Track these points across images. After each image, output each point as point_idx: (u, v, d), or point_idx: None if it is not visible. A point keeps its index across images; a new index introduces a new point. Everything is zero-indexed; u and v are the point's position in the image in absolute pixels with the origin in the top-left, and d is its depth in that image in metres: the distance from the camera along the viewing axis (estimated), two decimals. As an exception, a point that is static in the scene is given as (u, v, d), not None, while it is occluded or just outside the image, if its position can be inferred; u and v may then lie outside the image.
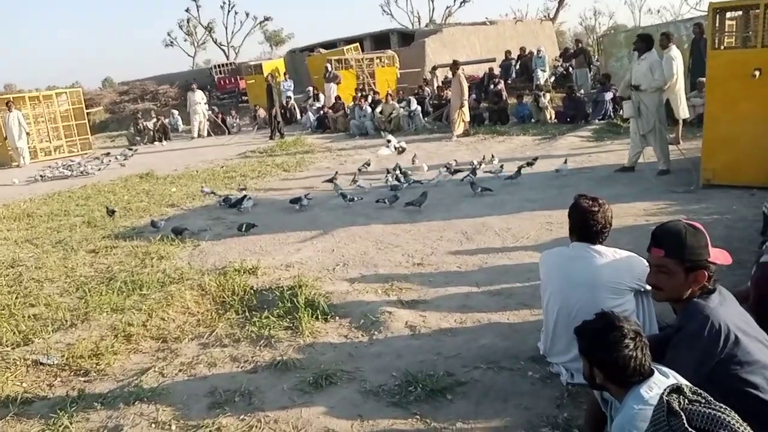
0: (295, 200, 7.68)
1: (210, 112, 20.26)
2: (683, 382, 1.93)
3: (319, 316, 4.28)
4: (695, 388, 1.83)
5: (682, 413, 1.69)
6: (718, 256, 2.31)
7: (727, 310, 2.24)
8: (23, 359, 4.02)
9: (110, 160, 14.45)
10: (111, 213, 8.11)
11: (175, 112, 21.98)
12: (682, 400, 1.75)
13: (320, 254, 5.83)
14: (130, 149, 16.32)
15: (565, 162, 8.42)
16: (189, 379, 3.63)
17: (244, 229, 6.66)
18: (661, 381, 1.96)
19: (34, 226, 8.14)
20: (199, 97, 18.75)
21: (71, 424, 3.23)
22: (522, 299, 4.30)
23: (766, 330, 2.33)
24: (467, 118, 13.05)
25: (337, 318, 4.31)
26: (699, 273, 2.26)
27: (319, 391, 3.33)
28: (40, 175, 13.06)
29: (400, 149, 11.28)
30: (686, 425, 1.66)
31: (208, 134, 18.69)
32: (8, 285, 5.63)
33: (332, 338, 4.02)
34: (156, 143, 18.22)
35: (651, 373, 1.99)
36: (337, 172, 8.99)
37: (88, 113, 19.98)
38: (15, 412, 3.42)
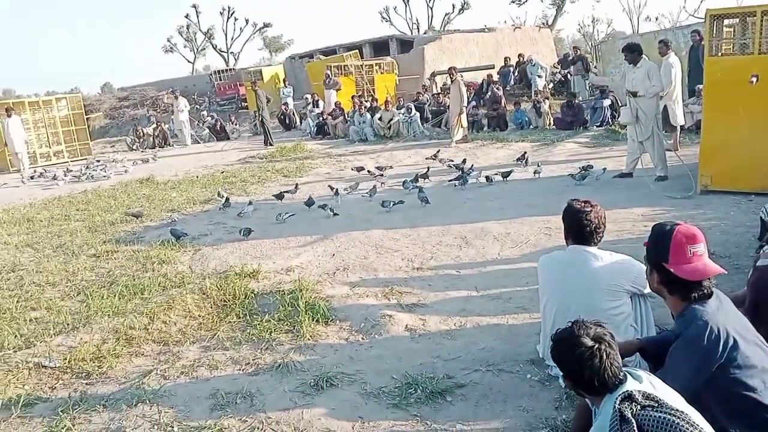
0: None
1: (210, 117, 20.33)
2: (657, 381, 1.98)
3: (320, 320, 4.32)
4: (648, 392, 1.88)
5: (633, 420, 1.77)
6: (693, 271, 2.29)
7: (725, 315, 2.27)
8: (25, 362, 4.05)
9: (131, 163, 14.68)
10: (136, 216, 8.19)
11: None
12: (634, 407, 1.82)
13: (320, 259, 5.86)
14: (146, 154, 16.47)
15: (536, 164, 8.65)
16: (191, 381, 3.66)
17: (243, 233, 6.71)
18: (634, 386, 1.96)
19: (35, 230, 8.17)
20: (183, 105, 18.80)
21: (73, 426, 3.26)
22: (521, 303, 4.34)
23: (763, 333, 2.36)
24: (465, 124, 13.12)
25: (337, 321, 4.34)
26: (656, 274, 2.34)
27: (320, 393, 3.36)
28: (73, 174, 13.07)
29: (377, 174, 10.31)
30: (636, 431, 1.75)
31: (209, 139, 18.76)
32: (9, 289, 5.66)
33: (333, 341, 4.05)
34: (156, 149, 18.25)
35: (624, 379, 1.99)
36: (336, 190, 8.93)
37: (87, 119, 20.03)
38: (18, 414, 3.44)
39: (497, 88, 15.48)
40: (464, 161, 9.65)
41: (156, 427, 3.18)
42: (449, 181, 8.76)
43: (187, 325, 4.47)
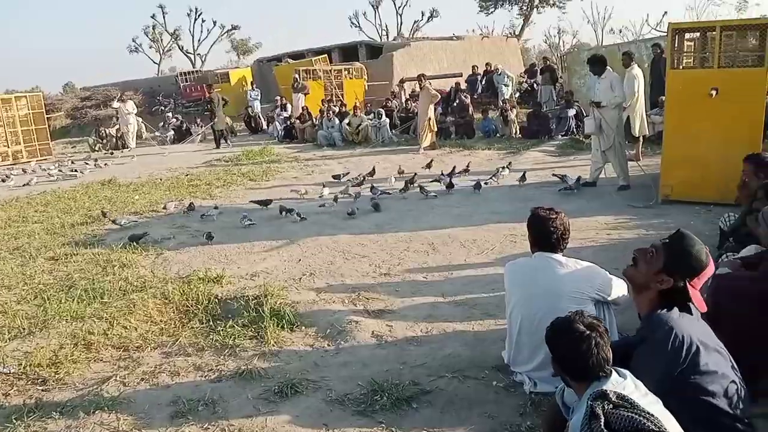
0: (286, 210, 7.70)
1: (175, 119, 20.02)
2: (639, 383, 2.02)
3: (285, 326, 4.26)
4: (622, 393, 1.94)
5: (602, 416, 1.84)
6: (700, 302, 2.42)
7: (688, 322, 2.33)
8: (-25, 369, 3.90)
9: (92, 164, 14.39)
10: (105, 214, 8.08)
11: (139, 119, 21.60)
12: (606, 405, 1.89)
13: (286, 264, 5.80)
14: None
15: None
16: (151, 388, 3.57)
17: (206, 237, 6.62)
18: (617, 382, 2.02)
19: (-11, 232, 7.90)
20: (130, 107, 18.52)
21: (28, 433, 3.14)
22: (486, 309, 4.36)
23: (723, 340, 2.42)
24: (435, 129, 13.19)
25: (303, 327, 4.29)
26: (663, 276, 2.39)
27: (285, 401, 3.32)
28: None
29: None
30: (602, 427, 1.82)
31: (173, 141, 18.48)
32: (-39, 293, 5.45)
33: (298, 347, 4.01)
34: (117, 151, 17.88)
35: (609, 374, 2.05)
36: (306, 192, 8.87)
37: (48, 118, 19.50)
38: (-33, 423, 3.30)
39: (465, 96, 15.64)
40: (454, 169, 9.61)
41: (114, 434, 3.09)
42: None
43: (148, 331, 4.37)
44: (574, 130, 13.12)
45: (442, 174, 9.23)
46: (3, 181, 12.75)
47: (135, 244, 6.56)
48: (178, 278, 5.40)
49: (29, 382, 3.75)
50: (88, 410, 3.33)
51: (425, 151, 12.65)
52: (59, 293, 5.15)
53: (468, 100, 15.42)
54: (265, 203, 8.14)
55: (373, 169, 9.97)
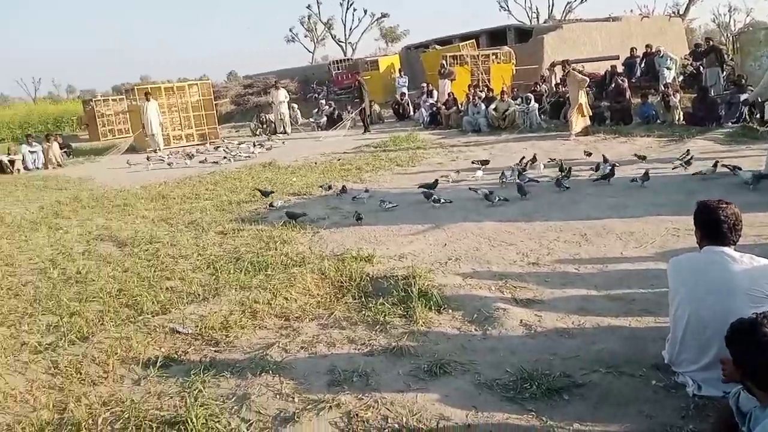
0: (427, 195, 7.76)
1: (327, 106, 20.95)
2: None
3: (432, 307, 4.36)
4: None
5: None
6: None
7: None
8: (162, 327, 4.40)
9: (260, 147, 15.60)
10: (266, 194, 8.69)
11: (295, 105, 22.90)
12: None
13: (432, 248, 5.90)
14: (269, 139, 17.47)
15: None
16: (310, 356, 3.83)
17: (356, 218, 6.93)
18: None
19: (169, 207, 8.86)
20: (282, 96, 19.47)
21: (204, 388, 3.51)
22: (645, 306, 4.13)
23: None
24: (588, 114, 12.59)
25: (450, 310, 4.35)
26: None
27: (434, 380, 3.40)
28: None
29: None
30: None
31: (326, 127, 19.38)
32: (147, 259, 6.17)
33: (445, 329, 4.08)
34: (275, 135, 19.10)
35: None
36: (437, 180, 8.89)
37: (215, 104, 21.28)
38: (155, 374, 3.76)
39: (621, 80, 14.73)
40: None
41: (278, 396, 3.36)
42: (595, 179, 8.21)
43: (306, 303, 4.68)
44: (747, 116, 11.87)
45: (604, 162, 8.64)
46: (166, 165, 14.20)
47: (294, 221, 7.03)
48: (332, 256, 5.71)
49: (204, 343, 4.18)
50: (255, 372, 3.64)
51: (577, 138, 12.14)
52: (228, 264, 5.66)
53: (625, 84, 14.51)
54: (430, 187, 8.17)
55: (534, 157, 9.59)
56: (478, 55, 20.03)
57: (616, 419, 2.93)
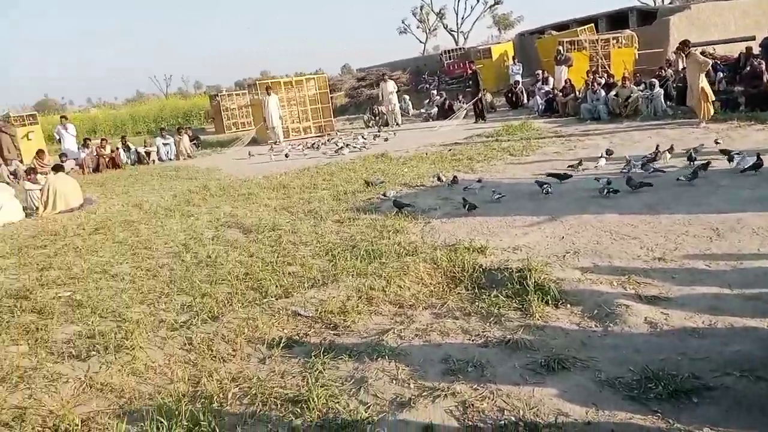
0: (540, 183, 7.61)
1: (438, 96, 20.92)
2: None
3: (549, 301, 4.25)
4: None
5: None
6: None
7: None
8: (285, 309, 4.65)
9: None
10: (372, 185, 8.97)
11: (406, 96, 23.10)
12: None
13: (549, 240, 5.74)
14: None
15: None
16: (424, 344, 3.88)
17: (467, 208, 6.88)
18: None
19: (289, 196, 9.27)
20: (391, 87, 19.53)
21: (324, 369, 3.67)
22: (787, 307, 3.79)
23: None
24: (711, 99, 11.64)
25: (568, 305, 4.23)
26: None
27: (551, 375, 3.33)
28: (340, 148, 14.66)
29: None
30: None
31: (437, 118, 19.37)
32: (270, 245, 6.51)
33: (563, 324, 3.97)
34: (386, 127, 19.37)
35: None
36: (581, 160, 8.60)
37: (331, 97, 21.92)
38: (279, 354, 3.98)
39: (758, 63, 13.45)
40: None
41: (394, 381, 3.44)
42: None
43: (419, 291, 4.74)
44: None
45: (738, 153, 7.93)
46: (285, 156, 14.77)
47: (401, 211, 7.15)
48: (445, 246, 5.72)
49: (323, 326, 4.37)
50: (371, 356, 3.75)
51: (707, 125, 11.28)
52: (345, 252, 5.84)
53: (762, 67, 13.24)
54: (561, 177, 7.99)
55: (672, 147, 9.04)
56: (597, 40, 19.13)
57: (751, 426, 2.73)
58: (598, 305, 4.14)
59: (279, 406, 3.32)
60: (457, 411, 3.09)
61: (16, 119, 21.52)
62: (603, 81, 15.29)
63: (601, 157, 9.08)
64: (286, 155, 14.80)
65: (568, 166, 8.82)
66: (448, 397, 3.21)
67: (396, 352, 3.77)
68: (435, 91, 22.16)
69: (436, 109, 20.00)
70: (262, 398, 3.40)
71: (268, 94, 18.14)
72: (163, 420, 3.19)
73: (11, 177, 16.19)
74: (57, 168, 11.41)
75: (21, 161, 17.08)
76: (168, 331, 4.50)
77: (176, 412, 3.25)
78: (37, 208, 10.42)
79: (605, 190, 7.06)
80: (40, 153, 15.52)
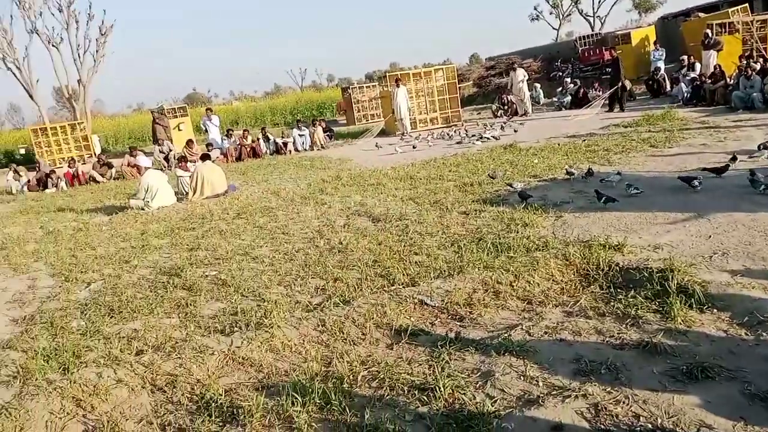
0: (687, 179, 7.11)
1: (572, 84, 20.10)
2: None
3: (694, 305, 3.98)
4: None
5: None
6: None
7: None
8: (411, 298, 4.72)
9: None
10: (493, 177, 8.85)
11: (537, 85, 22.42)
12: None
13: (694, 239, 5.34)
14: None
15: None
16: (554, 343, 3.78)
17: (603, 201, 6.57)
18: None
19: (416, 186, 9.37)
20: (521, 76, 18.91)
21: (450, 360, 3.70)
22: None
23: None
24: None
25: (714, 310, 3.93)
26: None
27: (694, 383, 3.13)
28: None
29: None
30: None
31: (569, 107, 18.64)
32: (398, 235, 6.63)
33: (709, 330, 3.70)
34: (516, 117, 18.93)
35: None
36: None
37: (458, 87, 21.80)
38: (405, 341, 4.07)
39: None
40: None
41: (522, 378, 3.40)
42: None
43: (549, 288, 4.62)
44: None
45: None
46: (412, 147, 14.87)
47: (525, 202, 7.04)
48: (578, 242, 5.51)
49: (449, 317, 4.40)
50: (498, 351, 3.73)
51: None
52: (471, 244, 5.82)
53: None
54: (719, 171, 7.44)
55: None
56: (751, 21, 17.36)
57: None
58: (749, 312, 3.80)
59: (406, 392, 3.40)
60: (588, 413, 3.00)
61: (169, 111, 23.56)
62: (758, 66, 13.88)
63: (762, 148, 8.26)
64: (414, 146, 14.96)
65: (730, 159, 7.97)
66: (579, 398, 3.12)
67: (524, 348, 3.71)
68: (568, 79, 21.28)
69: (569, 98, 19.21)
70: (390, 383, 3.50)
71: (397, 85, 18.40)
72: (297, 396, 3.38)
73: (163, 159, 17.83)
74: (204, 157, 12.35)
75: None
76: (303, 312, 4.74)
77: (309, 390, 3.44)
78: (187, 194, 11.38)
79: (762, 186, 6.43)
80: (189, 143, 16.93)
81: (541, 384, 3.31)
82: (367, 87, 28.61)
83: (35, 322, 5.31)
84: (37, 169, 18.03)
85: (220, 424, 3.36)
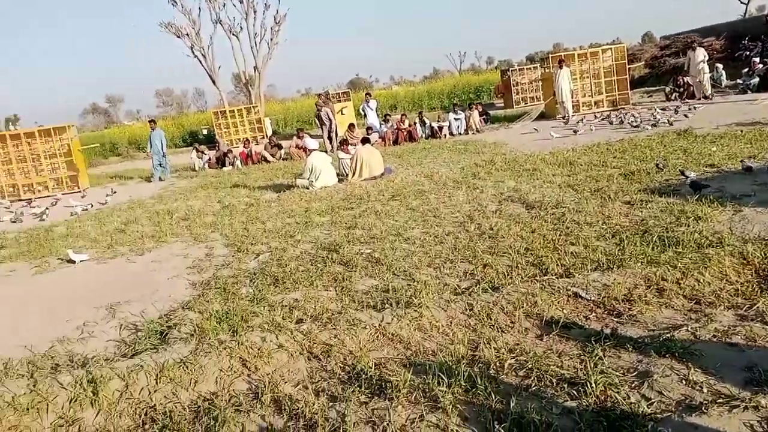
0: None
1: (761, 65, 17.91)
2: None
3: None
4: None
5: None
6: None
7: None
8: (565, 289, 4.55)
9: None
10: (661, 168, 8.24)
11: (720, 65, 20.27)
12: None
13: None
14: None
15: None
16: (723, 347, 3.46)
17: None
18: None
19: (575, 173, 8.97)
20: (701, 56, 16.99)
21: (604, 356, 3.53)
22: None
23: None
24: None
25: None
26: None
27: None
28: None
29: None
30: None
31: (756, 89, 16.67)
32: (553, 223, 6.42)
33: None
34: (693, 100, 17.32)
35: None
36: None
37: (628, 68, 20.38)
38: (556, 333, 3.95)
39: None
40: None
41: (684, 381, 3.16)
42: None
43: (722, 288, 4.21)
44: None
45: None
46: (572, 132, 14.16)
47: (699, 193, 6.44)
48: (759, 239, 4.95)
49: (605, 312, 4.19)
50: (658, 351, 3.48)
51: None
52: (634, 236, 5.47)
53: None
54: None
55: None
56: None
57: None
58: None
59: (554, 384, 3.32)
60: (759, 427, 2.71)
61: (333, 96, 24.74)
62: None
63: None
64: (574, 131, 14.30)
65: None
66: (749, 409, 2.83)
67: (688, 351, 3.43)
68: (757, 59, 18.95)
69: (757, 80, 17.15)
70: (537, 374, 3.43)
71: (560, 67, 17.66)
72: (443, 377, 3.44)
73: (328, 143, 18.76)
74: (364, 140, 12.83)
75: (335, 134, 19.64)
76: (451, 294, 4.78)
77: (455, 372, 3.48)
78: (347, 175, 11.92)
79: None
80: (351, 126, 17.67)
81: (705, 390, 3.05)
82: (527, 69, 27.78)
83: (210, 287, 5.89)
84: (217, 148, 19.91)
85: (369, 395, 3.51)
